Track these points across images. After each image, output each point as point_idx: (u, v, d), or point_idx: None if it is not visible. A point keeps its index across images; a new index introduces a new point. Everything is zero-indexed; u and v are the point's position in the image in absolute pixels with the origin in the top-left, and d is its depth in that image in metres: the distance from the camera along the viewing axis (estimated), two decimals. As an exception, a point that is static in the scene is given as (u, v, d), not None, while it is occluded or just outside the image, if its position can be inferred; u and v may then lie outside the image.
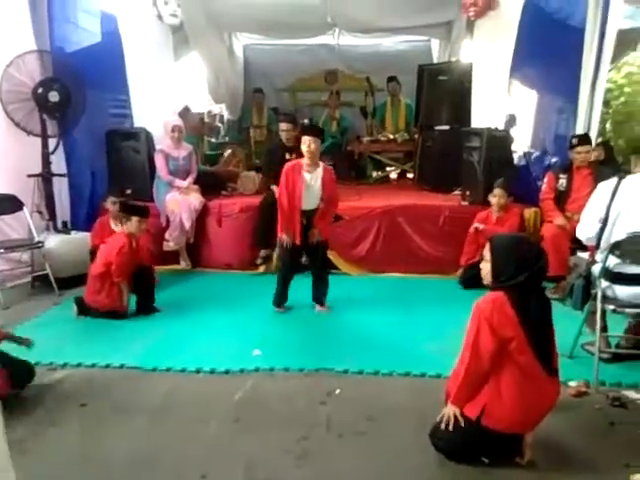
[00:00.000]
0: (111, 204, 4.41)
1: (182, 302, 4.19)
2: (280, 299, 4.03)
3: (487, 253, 2.18)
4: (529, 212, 4.81)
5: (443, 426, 2.11)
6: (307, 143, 3.72)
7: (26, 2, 4.55)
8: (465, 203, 5.12)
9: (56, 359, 3.07)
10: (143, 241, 4.19)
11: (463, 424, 2.09)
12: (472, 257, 4.55)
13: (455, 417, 2.11)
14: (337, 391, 2.69)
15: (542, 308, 2.12)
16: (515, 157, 5.32)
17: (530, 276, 2.05)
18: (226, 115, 8.37)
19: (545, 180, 4.65)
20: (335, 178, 3.94)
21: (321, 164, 3.86)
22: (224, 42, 7.73)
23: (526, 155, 5.44)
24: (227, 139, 7.58)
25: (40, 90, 4.47)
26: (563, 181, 4.47)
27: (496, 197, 4.49)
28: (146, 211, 3.98)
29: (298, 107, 8.41)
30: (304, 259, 4.33)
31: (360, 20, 6.59)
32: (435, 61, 7.80)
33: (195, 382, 2.84)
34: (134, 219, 3.79)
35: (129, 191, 4.92)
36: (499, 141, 5.02)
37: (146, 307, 3.95)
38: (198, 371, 2.95)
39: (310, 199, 3.80)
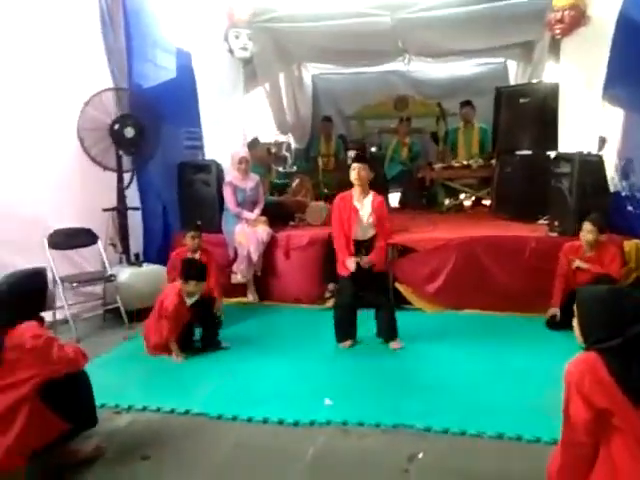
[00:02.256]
0: (190, 239, 4.37)
1: (248, 339, 4.05)
2: (344, 335, 3.84)
3: (575, 307, 1.87)
4: (629, 244, 4.29)
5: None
6: (356, 170, 3.68)
7: (101, 41, 4.69)
8: (554, 234, 4.66)
9: (122, 401, 2.97)
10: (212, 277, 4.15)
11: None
12: (562, 296, 4.11)
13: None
14: (420, 455, 2.38)
15: None
16: (610, 183, 4.82)
17: (628, 341, 1.69)
18: (293, 144, 8.37)
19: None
20: (384, 206, 3.84)
21: (371, 192, 3.77)
22: (293, 73, 7.77)
23: (621, 181, 4.93)
24: (295, 168, 7.51)
25: (116, 127, 4.57)
26: (670, 212, 3.96)
27: (584, 232, 4.00)
28: (204, 273, 3.82)
29: (366, 134, 8.25)
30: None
31: (432, 44, 6.36)
32: (512, 83, 7.40)
33: (262, 435, 2.63)
34: (191, 283, 3.67)
35: (199, 222, 4.89)
36: (592, 166, 4.56)
37: (210, 342, 3.85)
38: (265, 421, 2.74)
39: (363, 229, 3.71)
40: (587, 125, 5.05)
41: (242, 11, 5.14)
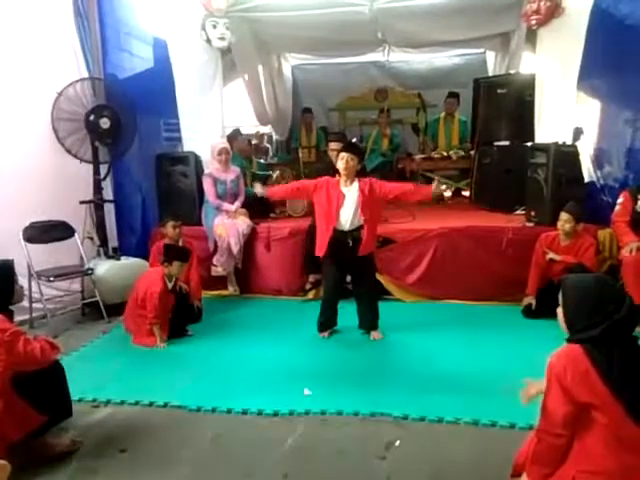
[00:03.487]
0: (171, 228, 4.35)
1: (228, 330, 4.05)
2: (325, 324, 3.87)
3: (560, 296, 1.88)
4: (603, 233, 4.37)
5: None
6: (345, 159, 3.61)
7: (74, 31, 4.59)
8: (530, 224, 4.73)
9: (100, 395, 2.95)
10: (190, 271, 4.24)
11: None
12: (538, 285, 4.19)
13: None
14: (397, 443, 2.41)
15: (631, 365, 1.71)
16: (585, 173, 4.90)
17: (608, 328, 1.70)
18: (274, 135, 8.32)
19: (620, 200, 4.22)
20: (376, 180, 3.76)
21: (356, 179, 3.69)
22: (272, 64, 7.70)
23: (596, 170, 5.02)
24: (276, 160, 7.49)
25: (91, 117, 4.49)
26: (643, 202, 4.04)
27: (561, 221, 4.07)
28: (188, 254, 3.96)
29: (348, 126, 8.25)
30: (349, 285, 4.12)
31: (412, 35, 6.36)
32: (490, 74, 7.45)
33: (242, 426, 2.63)
34: (175, 264, 3.76)
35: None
36: (567, 157, 4.62)
37: (176, 330, 3.87)
38: (245, 412, 2.74)
39: (349, 217, 3.63)
40: (563, 116, 5.11)
41: (218, 0, 5.06)
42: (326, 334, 3.87)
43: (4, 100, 4.13)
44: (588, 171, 5.07)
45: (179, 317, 3.90)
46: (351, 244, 3.65)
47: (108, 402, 2.89)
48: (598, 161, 5.04)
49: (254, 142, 7.67)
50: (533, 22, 4.82)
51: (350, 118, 8.34)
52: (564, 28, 4.78)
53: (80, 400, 2.85)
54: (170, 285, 3.81)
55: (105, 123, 4.52)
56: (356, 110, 8.27)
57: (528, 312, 4.17)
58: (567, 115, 5.09)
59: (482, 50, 8.00)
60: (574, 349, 1.73)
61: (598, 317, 1.72)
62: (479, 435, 2.49)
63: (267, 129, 8.45)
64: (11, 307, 2.42)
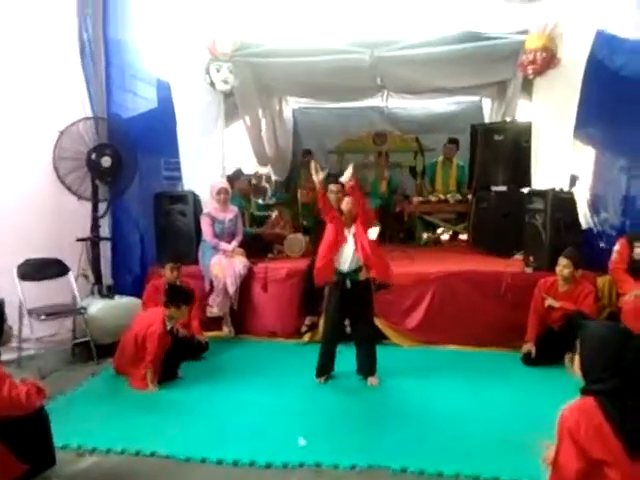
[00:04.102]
0: (169, 271, 4.33)
1: (222, 374, 3.96)
2: (322, 369, 3.78)
3: (577, 344, 1.84)
4: (603, 280, 4.35)
5: None
6: (346, 201, 3.70)
7: (80, 71, 4.68)
8: (529, 269, 4.70)
9: (85, 442, 2.83)
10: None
11: None
12: (537, 332, 4.13)
13: None
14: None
15: None
16: (582, 220, 4.92)
17: (625, 380, 1.66)
18: (273, 176, 8.39)
19: (616, 248, 4.23)
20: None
21: (353, 225, 3.71)
22: (274, 107, 7.84)
23: (593, 217, 5.05)
24: (274, 200, 7.52)
25: (93, 156, 4.52)
26: (640, 250, 4.04)
27: (560, 267, 4.04)
28: (192, 296, 3.95)
29: (346, 168, 8.30)
30: (347, 329, 4.07)
31: (410, 82, 6.52)
32: (487, 121, 7.60)
33: (233, 477, 2.52)
34: (181, 307, 3.74)
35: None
36: (565, 203, 4.66)
37: (168, 373, 3.78)
38: (236, 463, 2.63)
39: (348, 259, 3.64)
40: (559, 163, 5.17)
41: (224, 45, 5.18)
42: (322, 380, 3.78)
43: (7, 137, 4.15)
44: (585, 218, 5.11)
45: (171, 360, 3.80)
46: (349, 286, 3.61)
47: (94, 450, 2.77)
48: (594, 208, 5.09)
49: (253, 182, 7.72)
50: (530, 72, 4.93)
51: (349, 161, 8.38)
52: (560, 78, 4.89)
53: (65, 447, 2.74)
54: (169, 326, 3.74)
55: (106, 161, 4.55)
56: (355, 153, 8.36)
57: (528, 359, 4.09)
58: (563, 162, 5.15)
59: (478, 98, 8.19)
60: (587, 402, 1.69)
61: (615, 368, 1.68)
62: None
63: (266, 170, 8.51)
64: (-2, 348, 2.35)
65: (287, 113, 8.62)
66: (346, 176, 3.82)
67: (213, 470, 2.58)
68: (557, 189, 4.71)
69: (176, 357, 3.84)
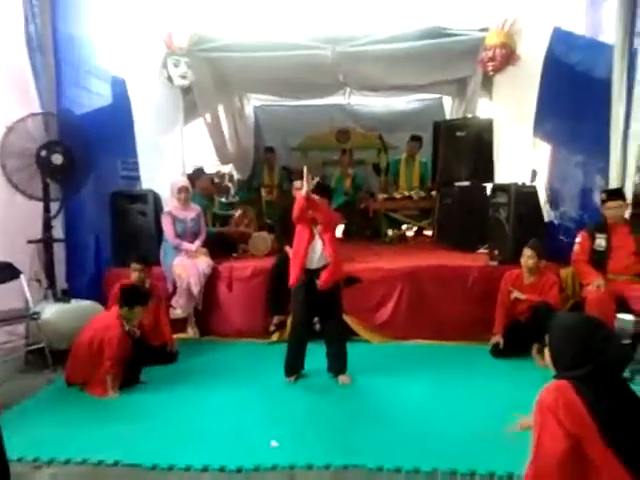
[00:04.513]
0: (134, 271, 4.15)
1: (187, 377, 3.80)
2: (292, 367, 3.70)
3: (547, 335, 1.86)
4: (566, 272, 4.42)
5: None
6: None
7: (27, 65, 4.43)
8: (494, 263, 4.75)
9: (42, 453, 2.65)
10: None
11: None
12: (505, 324, 4.17)
13: None
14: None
15: (619, 404, 1.68)
16: (544, 214, 5.01)
17: (595, 369, 1.68)
18: (235, 175, 8.24)
19: (578, 240, 4.32)
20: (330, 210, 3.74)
21: None
22: (234, 104, 7.70)
23: (553, 211, 5.15)
24: (237, 199, 7.37)
25: (43, 153, 4.28)
26: (601, 241, 4.13)
27: (524, 257, 4.10)
28: (148, 297, 3.78)
29: (310, 166, 8.24)
30: (317, 326, 4.03)
31: (371, 78, 6.52)
32: (448, 118, 7.68)
33: (202, 484, 2.40)
34: (137, 309, 3.58)
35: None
36: (527, 197, 4.73)
37: (129, 378, 3.61)
38: (205, 469, 2.51)
39: (316, 257, 3.60)
40: (520, 158, 5.27)
41: (180, 39, 5.04)
42: (292, 379, 3.69)
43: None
44: (546, 211, 5.21)
45: (132, 364, 3.62)
46: (317, 281, 3.56)
47: (51, 461, 2.60)
48: (553, 202, 5.19)
49: (216, 181, 7.55)
50: (489, 68, 5.01)
51: (312, 158, 8.36)
52: (519, 74, 4.99)
53: (20, 460, 2.56)
54: (126, 328, 3.56)
55: (57, 159, 4.32)
56: (318, 150, 8.33)
57: (496, 351, 4.12)
58: (524, 157, 5.26)
59: (439, 95, 8.28)
60: (562, 383, 1.70)
61: (584, 357, 1.70)
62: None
63: (228, 168, 8.36)
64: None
65: (248, 110, 8.49)
66: (298, 184, 3.76)
67: (182, 476, 2.45)
68: (520, 183, 4.78)
69: (137, 361, 3.66)
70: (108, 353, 3.41)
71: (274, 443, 2.73)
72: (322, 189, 3.73)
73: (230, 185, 8.12)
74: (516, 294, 4.10)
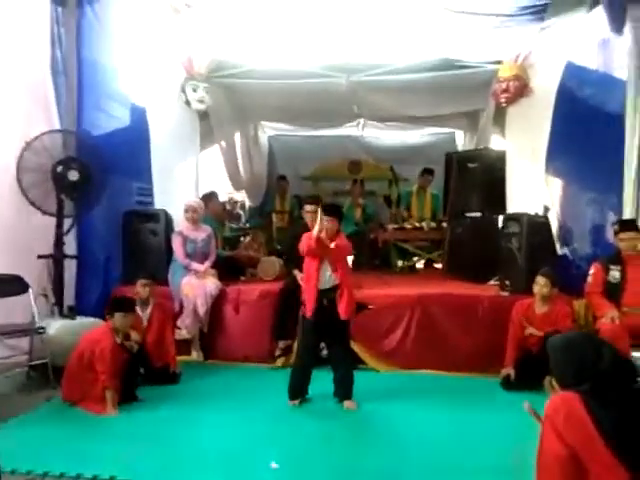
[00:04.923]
0: (141, 286, 4.15)
1: (188, 398, 3.74)
2: (296, 391, 3.63)
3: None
4: (579, 304, 4.32)
5: None
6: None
7: (50, 85, 4.55)
8: (505, 293, 4.67)
9: (37, 466, 2.58)
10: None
11: None
12: (516, 356, 4.06)
13: None
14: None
15: (630, 415, 1.64)
16: (557, 246, 4.95)
17: (597, 382, 1.68)
18: (247, 202, 8.31)
19: (591, 271, 4.23)
20: (347, 244, 3.68)
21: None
22: (249, 132, 7.83)
23: (565, 246, 5.07)
24: (248, 225, 7.41)
25: (59, 169, 4.35)
26: (615, 272, 4.04)
27: (538, 286, 4.03)
28: (131, 305, 3.73)
29: (321, 195, 8.29)
30: (324, 352, 3.97)
31: (385, 108, 6.57)
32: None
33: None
34: (117, 315, 3.53)
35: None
36: (540, 227, 4.69)
37: (126, 395, 3.55)
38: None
39: (326, 278, 3.57)
40: (532, 190, 5.24)
41: (200, 64, 5.17)
42: (297, 402, 3.60)
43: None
44: (558, 245, 5.13)
45: (128, 380, 3.58)
46: (326, 303, 3.50)
47: (45, 474, 2.52)
48: (566, 238, 5.10)
49: (227, 208, 7.61)
50: (502, 100, 5.05)
51: (323, 188, 8.42)
52: (532, 107, 5.02)
53: (13, 472, 2.49)
54: (119, 340, 3.53)
55: (73, 175, 4.38)
56: (329, 180, 8.39)
57: (507, 384, 4.00)
58: (537, 190, 5.22)
59: (452, 130, 8.37)
60: (569, 394, 1.70)
61: (582, 375, 1.71)
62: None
63: (240, 197, 8.44)
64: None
65: (263, 140, 8.62)
66: (308, 207, 3.92)
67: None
68: (532, 214, 4.74)
69: (133, 376, 3.60)
70: (101, 366, 3.36)
71: (274, 465, 2.63)
72: (332, 210, 3.70)
73: (241, 213, 8.19)
74: (531, 330, 4.00)
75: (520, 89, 4.94)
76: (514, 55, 4.93)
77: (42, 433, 3.08)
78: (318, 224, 3.42)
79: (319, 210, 3.51)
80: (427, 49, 5.03)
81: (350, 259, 7.17)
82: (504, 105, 5.12)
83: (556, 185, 5.30)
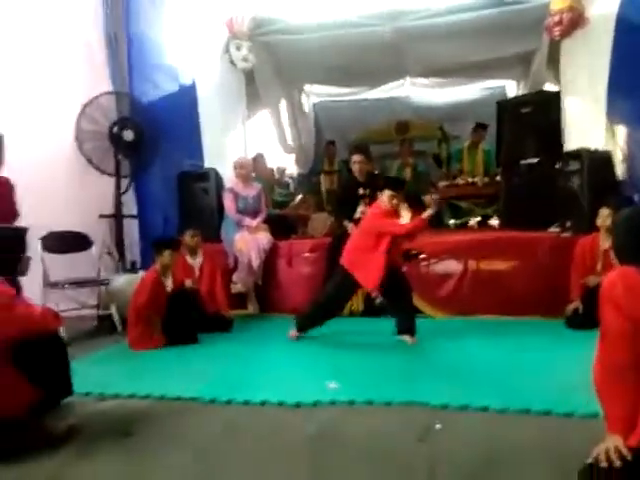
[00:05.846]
0: (189, 237, 4.27)
1: (246, 339, 3.87)
2: (306, 327, 3.75)
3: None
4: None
5: (605, 464, 1.47)
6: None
7: (104, 53, 4.72)
8: (566, 234, 4.46)
9: (108, 390, 2.72)
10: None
11: (629, 458, 1.43)
12: (581, 291, 3.87)
13: (618, 450, 1.47)
14: (437, 426, 2.10)
15: None
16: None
17: None
18: (296, 170, 8.32)
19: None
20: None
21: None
22: (294, 98, 7.82)
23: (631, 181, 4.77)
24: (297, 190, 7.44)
25: (115, 129, 4.51)
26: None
27: (602, 218, 3.80)
28: (176, 243, 3.92)
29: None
30: (377, 300, 4.03)
31: (433, 58, 6.30)
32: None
33: (260, 415, 2.36)
34: (166, 253, 3.69)
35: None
36: (602, 162, 4.43)
37: (182, 335, 3.68)
38: (263, 403, 2.47)
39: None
40: (591, 131, 4.94)
41: (241, 23, 5.19)
42: (302, 334, 3.75)
43: (29, 111, 4.18)
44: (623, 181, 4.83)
45: (188, 322, 3.74)
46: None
47: (117, 396, 2.65)
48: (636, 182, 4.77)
49: (277, 177, 7.66)
50: (556, 33, 4.78)
51: (371, 152, 8.31)
52: (589, 39, 4.71)
53: (87, 394, 2.63)
54: (168, 282, 3.72)
55: (128, 135, 4.55)
56: (377, 143, 8.26)
57: (573, 321, 3.82)
58: (595, 130, 4.92)
59: (503, 84, 8.03)
60: (626, 269, 1.59)
61: None
62: (533, 422, 2.16)
63: (289, 165, 8.45)
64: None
65: (308, 107, 8.59)
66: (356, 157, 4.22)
67: (239, 409, 2.42)
68: (592, 149, 4.48)
69: (191, 319, 3.76)
70: (141, 297, 3.54)
71: (333, 384, 2.65)
72: (395, 183, 3.64)
73: (290, 181, 8.22)
74: (593, 280, 3.78)
75: (575, 20, 4.63)
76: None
77: (112, 367, 3.26)
78: (403, 215, 3.46)
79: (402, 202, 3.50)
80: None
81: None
82: (558, 39, 4.83)
83: (621, 128, 4.97)
